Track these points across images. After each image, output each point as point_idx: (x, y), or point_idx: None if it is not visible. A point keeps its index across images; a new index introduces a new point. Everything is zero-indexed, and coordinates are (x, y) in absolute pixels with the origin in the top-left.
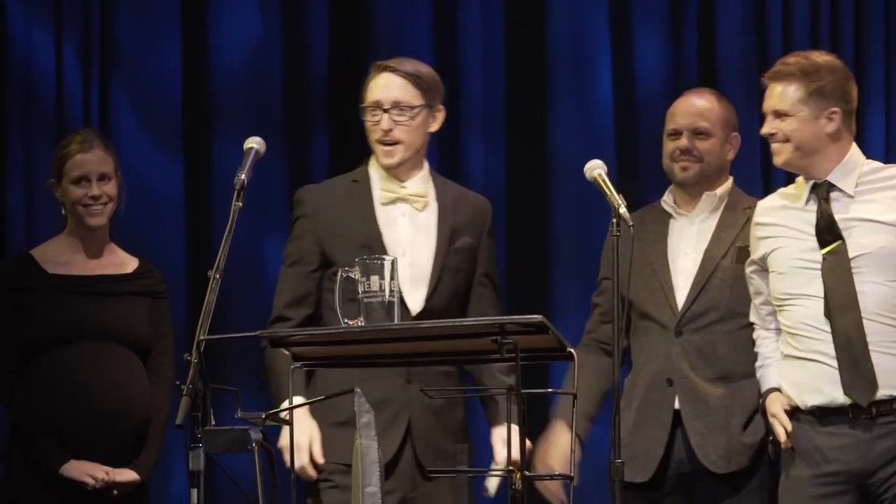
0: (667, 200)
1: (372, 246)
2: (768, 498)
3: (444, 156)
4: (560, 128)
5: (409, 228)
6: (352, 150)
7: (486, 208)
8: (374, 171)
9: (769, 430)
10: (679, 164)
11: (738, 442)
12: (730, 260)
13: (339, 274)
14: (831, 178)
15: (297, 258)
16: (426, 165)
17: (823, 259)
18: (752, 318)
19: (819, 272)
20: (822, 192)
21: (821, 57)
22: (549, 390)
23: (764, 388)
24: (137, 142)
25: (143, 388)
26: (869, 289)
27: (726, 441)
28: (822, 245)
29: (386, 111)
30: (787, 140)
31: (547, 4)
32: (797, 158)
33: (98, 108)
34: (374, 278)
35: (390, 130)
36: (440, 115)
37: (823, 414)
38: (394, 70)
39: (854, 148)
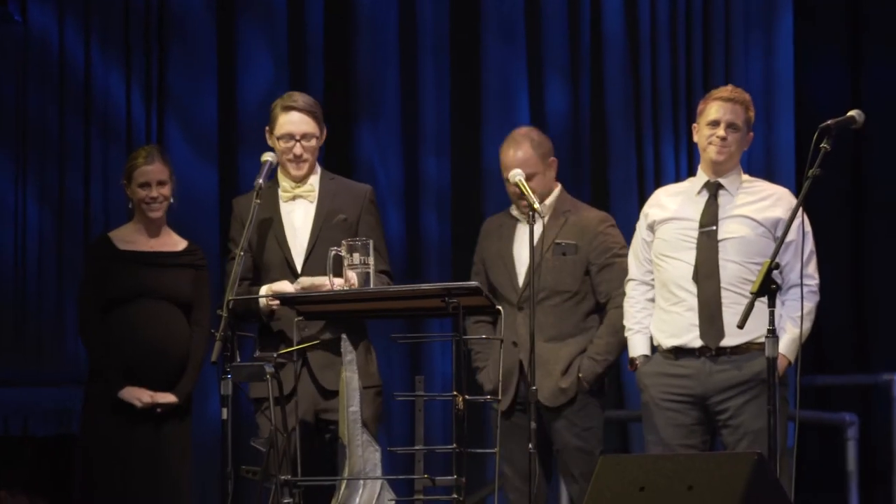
0: (513, 210)
1: (275, 230)
2: (593, 418)
3: (407, 168)
4: (491, 147)
5: (302, 215)
6: (337, 160)
7: (363, 193)
8: (283, 179)
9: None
10: (517, 203)
11: (558, 386)
12: (550, 253)
13: (330, 251)
14: (722, 180)
15: None
16: (318, 168)
17: (699, 236)
18: (633, 271)
19: (693, 245)
20: (713, 188)
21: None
22: (483, 336)
23: (636, 352)
24: (184, 155)
25: (185, 335)
26: (729, 265)
27: (553, 385)
28: (701, 226)
29: (298, 141)
30: (732, 146)
31: (481, 57)
32: (730, 161)
33: (156, 130)
34: (356, 255)
35: (301, 154)
36: (324, 134)
37: (678, 352)
38: (299, 109)
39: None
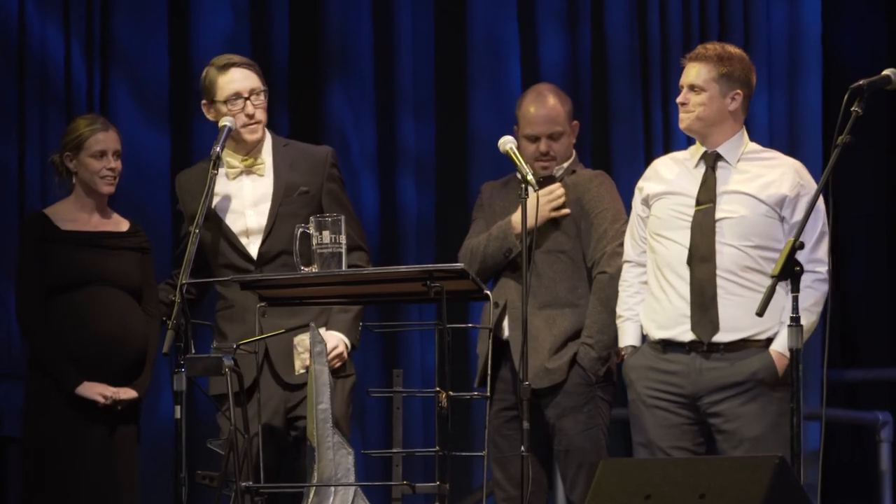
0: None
1: (222, 214)
2: (601, 413)
3: (383, 133)
4: (478, 110)
5: (255, 193)
6: (304, 124)
7: (323, 158)
8: (229, 155)
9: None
10: (539, 164)
11: (543, 366)
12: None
13: (297, 229)
14: (720, 150)
15: None
16: (269, 136)
17: (694, 214)
18: (628, 251)
19: (689, 224)
20: (711, 160)
21: (733, 48)
22: (469, 325)
23: (624, 343)
24: (132, 120)
25: (140, 324)
26: (726, 249)
27: (538, 364)
28: (698, 203)
29: (247, 99)
30: (694, 109)
31: (467, 10)
32: (699, 126)
33: (99, 92)
34: (326, 233)
35: (253, 113)
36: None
37: (666, 346)
38: (241, 65)
39: (743, 128)
